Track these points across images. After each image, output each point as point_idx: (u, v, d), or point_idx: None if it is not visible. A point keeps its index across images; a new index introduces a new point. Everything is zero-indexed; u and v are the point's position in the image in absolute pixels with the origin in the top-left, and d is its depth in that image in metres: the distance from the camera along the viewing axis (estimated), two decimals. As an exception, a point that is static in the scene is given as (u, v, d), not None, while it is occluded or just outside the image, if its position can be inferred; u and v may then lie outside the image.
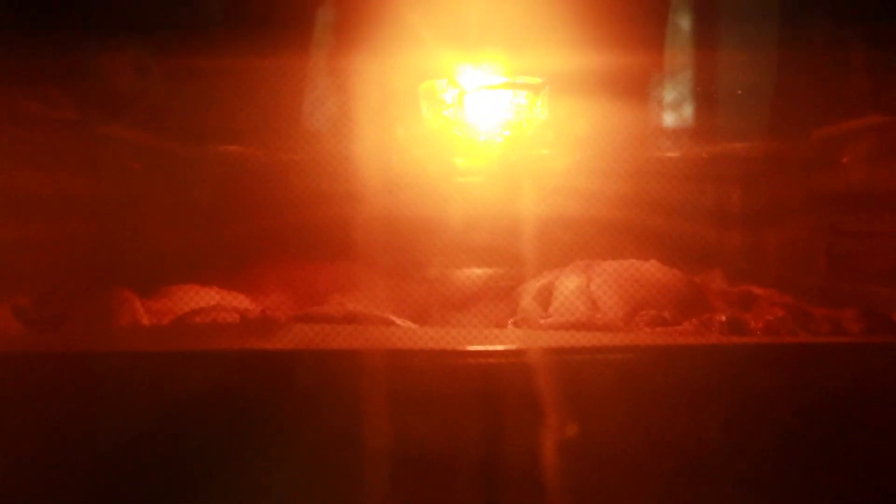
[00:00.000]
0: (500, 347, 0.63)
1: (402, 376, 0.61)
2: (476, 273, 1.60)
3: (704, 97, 1.17)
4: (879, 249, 1.23)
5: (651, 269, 1.09)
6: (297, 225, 1.44)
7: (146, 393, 0.68)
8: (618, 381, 0.65)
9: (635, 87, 1.22)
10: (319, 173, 1.41)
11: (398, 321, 0.80)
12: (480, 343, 0.64)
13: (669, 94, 1.21)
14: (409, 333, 0.68)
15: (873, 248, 1.27)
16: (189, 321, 0.86)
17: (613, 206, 1.61)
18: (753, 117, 1.16)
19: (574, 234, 1.59)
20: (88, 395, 0.70)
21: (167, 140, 1.17)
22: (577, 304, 0.99)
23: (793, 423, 0.69)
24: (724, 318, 0.87)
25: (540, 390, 0.64)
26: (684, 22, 1.17)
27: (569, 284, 1.04)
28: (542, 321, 0.80)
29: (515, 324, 0.87)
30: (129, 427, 0.69)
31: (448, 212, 1.55)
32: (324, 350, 0.65)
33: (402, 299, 1.20)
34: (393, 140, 1.19)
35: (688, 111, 1.24)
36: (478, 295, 1.29)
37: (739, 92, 1.13)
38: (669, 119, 1.24)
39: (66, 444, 0.69)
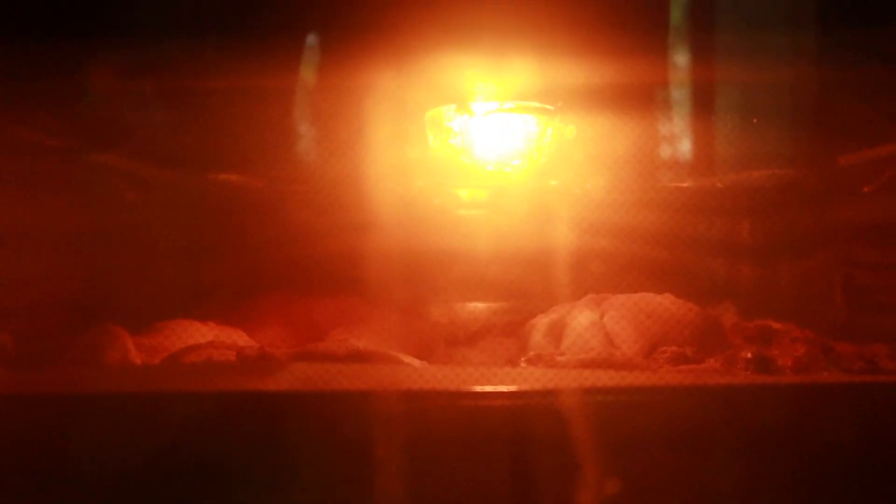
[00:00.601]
0: (526, 387, 0.57)
1: (416, 420, 0.55)
2: (482, 307, 1.55)
3: (719, 125, 1.14)
4: (892, 281, 1.19)
5: (666, 303, 1.04)
6: (298, 258, 1.39)
7: (134, 437, 0.62)
8: (651, 423, 0.60)
9: (648, 116, 1.18)
10: (322, 204, 1.37)
11: (405, 359, 0.74)
12: (500, 383, 0.59)
13: (683, 122, 1.18)
14: (421, 372, 0.63)
15: (888, 281, 1.22)
16: (182, 359, 0.80)
17: (624, 238, 1.56)
18: (770, 145, 1.13)
19: (583, 267, 1.55)
20: (71, 440, 0.64)
21: (162, 169, 1.12)
22: (592, 340, 0.94)
23: (837, 467, 0.63)
24: (749, 356, 0.82)
25: (571, 434, 0.58)
26: (699, 50, 1.13)
27: (581, 320, 0.99)
28: (558, 358, 0.75)
29: (529, 362, 0.82)
30: (114, 474, 0.63)
31: (455, 244, 1.50)
32: (328, 391, 0.59)
33: (405, 335, 1.15)
34: (398, 170, 1.15)
35: (702, 139, 1.20)
36: (484, 330, 1.24)
37: (755, 120, 1.09)
38: (683, 148, 1.20)
39: (46, 493, 0.63)
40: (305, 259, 1.39)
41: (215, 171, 1.16)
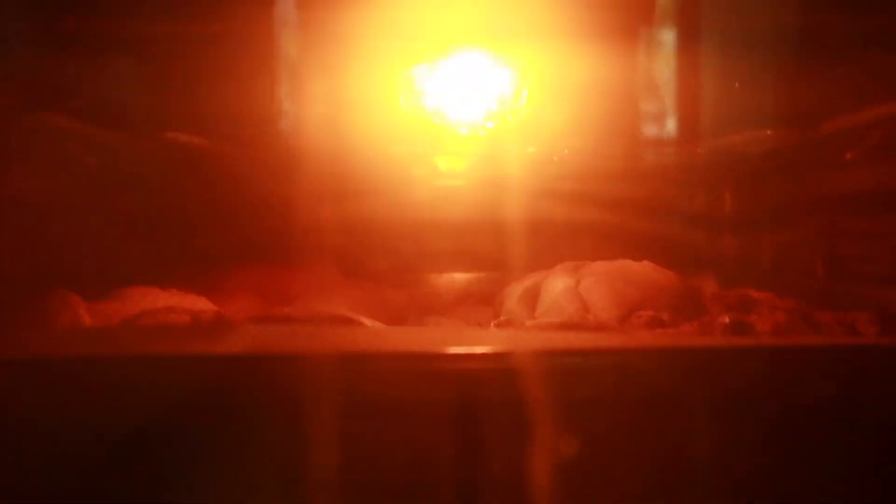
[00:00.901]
0: (479, 350, 0.54)
1: (363, 384, 0.52)
2: (459, 278, 1.51)
3: (698, 91, 1.10)
4: (884, 251, 1.16)
5: (644, 270, 1.01)
6: (267, 227, 1.35)
7: (72, 401, 0.58)
8: (617, 386, 0.56)
9: (627, 82, 1.14)
10: (292, 171, 1.32)
11: (367, 322, 0.71)
12: (458, 344, 0.55)
13: (663, 89, 1.14)
14: (375, 334, 0.59)
15: (877, 250, 1.19)
16: (135, 323, 0.76)
17: (599, 209, 1.53)
18: (751, 112, 1.09)
19: (560, 237, 1.51)
20: (11, 405, 0.61)
21: (120, 130, 1.07)
22: (566, 305, 0.91)
23: (808, 430, 0.60)
24: (727, 321, 0.79)
25: (528, 398, 0.55)
26: (677, 13, 1.09)
27: (557, 285, 0.96)
28: (528, 322, 0.71)
29: (499, 325, 0.78)
30: (57, 438, 0.59)
31: (430, 214, 1.46)
32: (276, 354, 0.56)
33: (377, 305, 1.11)
34: (372, 135, 1.10)
35: (682, 105, 1.16)
36: (459, 299, 1.21)
37: (736, 85, 1.05)
38: (662, 114, 1.16)
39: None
40: (275, 228, 1.35)
41: (175, 132, 1.11)
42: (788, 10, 0.86)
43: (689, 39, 1.02)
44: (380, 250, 1.46)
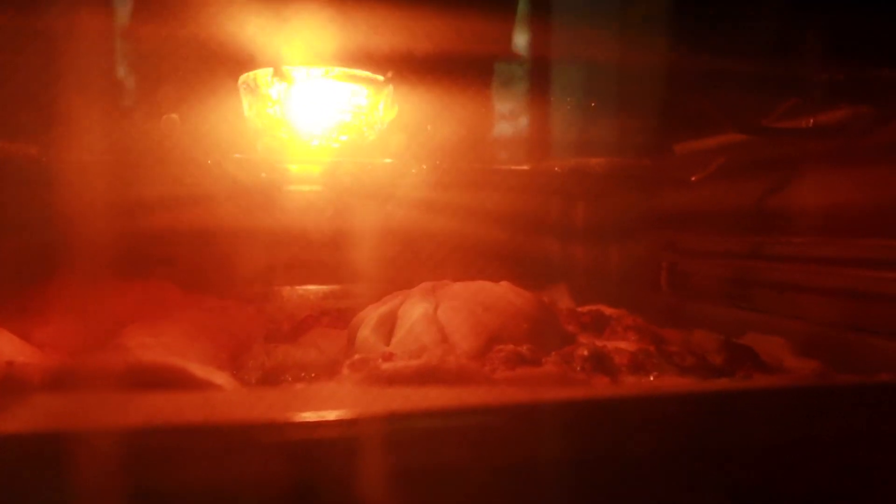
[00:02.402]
0: (315, 417, 0.46)
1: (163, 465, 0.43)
2: (312, 291, 1.41)
3: (558, 108, 1.08)
4: (714, 269, 1.20)
5: (503, 293, 0.97)
6: (91, 238, 1.17)
7: None
8: (478, 451, 0.50)
9: (485, 96, 1.10)
10: (120, 177, 1.16)
11: (198, 371, 0.60)
12: (296, 409, 0.47)
13: (520, 104, 1.10)
14: (191, 399, 0.49)
15: (709, 268, 1.24)
16: None
17: (458, 219, 1.49)
18: (606, 131, 1.08)
19: (418, 249, 1.45)
20: None
21: None
22: (424, 335, 0.84)
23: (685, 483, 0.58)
24: (585, 353, 0.76)
25: (376, 471, 0.47)
26: (541, 31, 1.06)
27: (414, 312, 0.89)
28: (383, 366, 0.64)
29: (352, 368, 0.70)
30: None
31: (276, 223, 1.35)
32: (69, 432, 0.44)
33: (218, 329, 0.99)
34: (210, 140, 0.97)
35: (538, 122, 1.14)
36: (311, 320, 1.11)
37: (593, 104, 1.04)
38: (518, 129, 1.13)
39: None
40: (102, 240, 1.18)
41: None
42: (645, 50, 0.84)
43: (546, 69, 0.99)
44: (224, 262, 1.33)
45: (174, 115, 0.86)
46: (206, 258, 1.31)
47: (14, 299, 1.06)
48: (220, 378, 0.62)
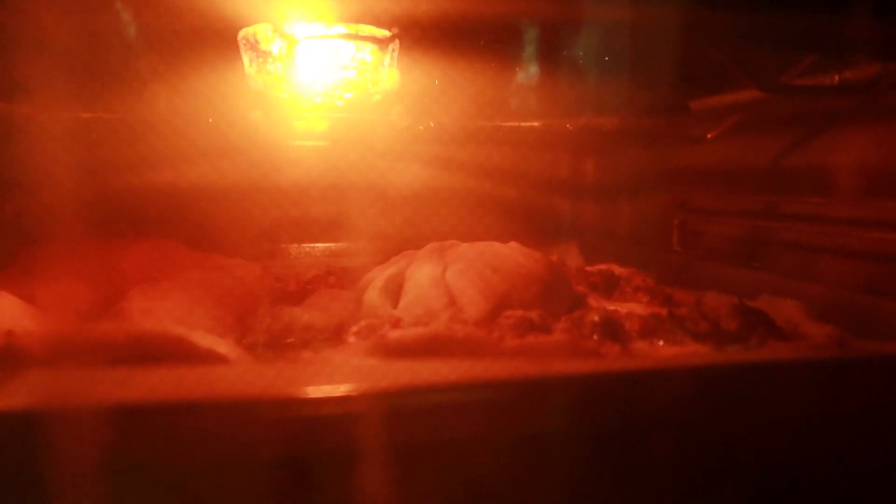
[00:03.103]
0: (317, 393, 0.44)
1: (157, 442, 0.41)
2: (319, 249, 1.39)
3: (568, 62, 1.03)
4: (726, 228, 1.17)
5: (512, 254, 0.94)
6: (95, 197, 1.15)
7: None
8: (483, 428, 0.49)
9: (495, 50, 1.05)
10: (125, 136, 1.13)
11: (201, 340, 0.58)
12: (298, 383, 0.45)
13: (531, 59, 1.06)
14: (188, 373, 0.47)
15: (721, 227, 1.21)
16: None
17: (466, 176, 1.45)
18: (620, 89, 1.03)
19: (423, 205, 1.43)
20: None
21: None
22: (431, 299, 0.82)
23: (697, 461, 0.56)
24: (596, 319, 0.74)
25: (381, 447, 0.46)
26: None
27: (422, 275, 0.87)
28: (390, 335, 0.62)
29: (358, 335, 0.68)
30: None
31: (282, 180, 1.32)
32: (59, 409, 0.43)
33: (225, 290, 0.97)
34: (211, 98, 0.94)
35: (550, 77, 1.09)
36: (318, 280, 1.09)
37: (606, 59, 0.99)
38: (531, 85, 1.08)
39: None
40: (107, 200, 1.16)
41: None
42: (661, 3, 0.79)
43: (560, 31, 0.94)
44: (230, 220, 1.30)
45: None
46: (211, 216, 1.29)
47: (17, 260, 1.05)
48: (223, 347, 0.60)
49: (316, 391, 0.47)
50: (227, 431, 0.44)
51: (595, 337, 0.72)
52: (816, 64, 0.88)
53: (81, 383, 0.47)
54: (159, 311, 0.81)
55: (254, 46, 0.81)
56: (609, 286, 1.06)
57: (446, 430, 0.50)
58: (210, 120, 0.91)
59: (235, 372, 0.49)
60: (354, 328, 0.70)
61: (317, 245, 1.38)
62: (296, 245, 1.36)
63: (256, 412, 0.46)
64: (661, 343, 0.72)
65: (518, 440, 0.52)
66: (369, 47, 0.82)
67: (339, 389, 0.47)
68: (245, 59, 0.83)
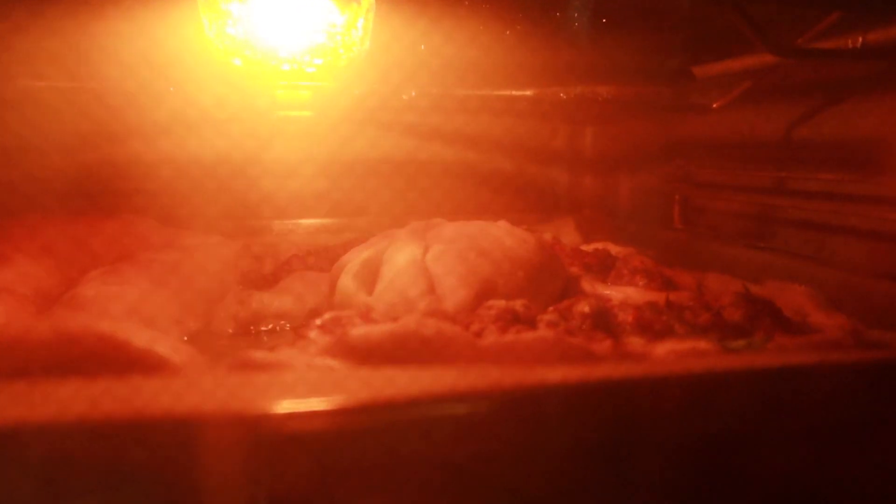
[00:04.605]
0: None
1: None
2: (301, 225, 1.31)
3: (563, 25, 0.93)
4: (731, 204, 1.09)
5: (500, 235, 0.86)
6: (61, 170, 1.07)
7: None
8: (451, 445, 0.42)
9: (484, 12, 0.95)
10: (85, 106, 1.04)
11: (138, 340, 0.51)
12: (247, 393, 0.38)
13: (522, 21, 0.96)
14: (126, 383, 0.40)
15: (725, 203, 1.13)
16: None
17: (457, 148, 1.37)
18: (617, 52, 0.94)
19: (412, 179, 1.34)
20: None
21: None
22: (408, 286, 0.75)
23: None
24: (586, 310, 0.66)
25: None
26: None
27: (399, 258, 0.79)
28: (352, 332, 0.55)
29: (322, 328, 0.61)
30: None
31: (262, 154, 1.24)
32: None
33: (192, 273, 0.90)
34: (169, 65, 0.85)
35: (543, 41, 1.00)
36: (295, 260, 1.01)
37: (604, 20, 0.90)
38: (522, 50, 0.99)
39: None
40: (72, 171, 1.08)
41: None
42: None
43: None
44: (210, 194, 1.22)
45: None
46: (189, 190, 1.21)
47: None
48: (165, 347, 0.53)
49: (254, 407, 0.40)
50: (154, 451, 0.37)
51: (584, 329, 0.64)
52: (836, 24, 0.79)
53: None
54: (113, 299, 0.74)
55: (211, 5, 0.72)
56: (605, 267, 0.98)
57: (405, 448, 0.43)
58: (171, 89, 0.83)
59: (162, 385, 0.42)
60: (318, 321, 0.63)
61: (301, 221, 1.30)
62: (279, 221, 1.29)
63: (190, 432, 0.39)
64: (658, 337, 0.64)
65: (492, 458, 0.44)
66: (339, 9, 0.73)
67: (278, 406, 0.40)
68: (204, 19, 0.75)
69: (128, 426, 0.39)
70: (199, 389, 0.42)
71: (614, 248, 1.07)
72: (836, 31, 0.83)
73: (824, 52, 0.76)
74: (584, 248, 1.08)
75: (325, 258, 1.02)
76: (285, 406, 0.41)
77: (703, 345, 0.61)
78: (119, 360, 0.52)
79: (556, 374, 0.46)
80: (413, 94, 0.88)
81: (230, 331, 0.80)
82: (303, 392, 0.42)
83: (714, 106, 0.96)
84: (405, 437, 0.43)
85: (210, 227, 1.14)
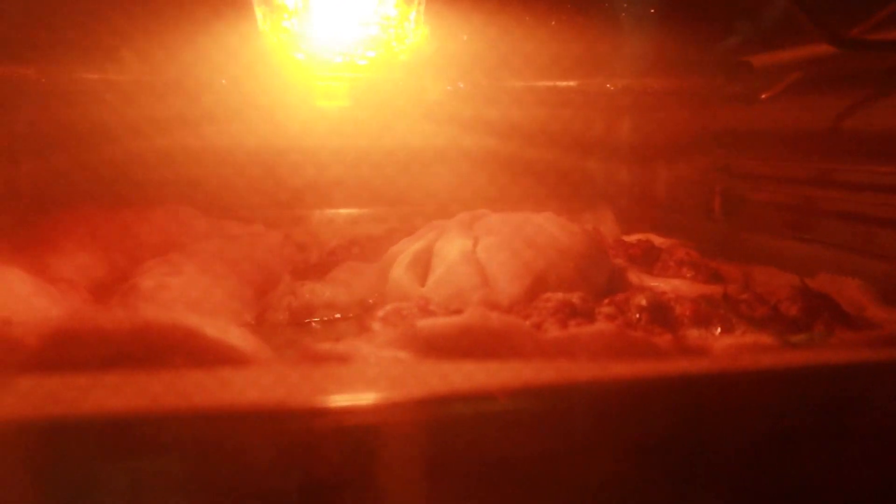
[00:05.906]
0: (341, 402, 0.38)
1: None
2: (340, 215, 1.32)
3: (610, 14, 0.93)
4: (774, 195, 1.07)
5: (546, 226, 0.86)
6: (108, 162, 1.09)
7: None
8: (523, 439, 0.42)
9: (528, 5, 0.95)
10: (133, 98, 1.05)
11: (212, 331, 0.52)
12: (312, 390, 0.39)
13: (569, 11, 0.95)
14: (205, 380, 0.41)
15: (768, 194, 1.11)
16: None
17: (496, 138, 1.36)
18: (666, 41, 0.93)
19: (452, 169, 1.34)
20: None
21: None
22: (462, 278, 0.75)
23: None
24: (643, 303, 0.66)
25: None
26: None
27: (451, 250, 0.79)
28: (419, 324, 0.55)
29: (385, 320, 0.62)
30: None
31: (303, 143, 1.24)
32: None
33: (243, 262, 0.91)
34: (224, 57, 0.86)
35: (588, 31, 0.99)
36: (342, 250, 1.02)
37: (652, 10, 0.89)
38: (568, 40, 0.98)
39: None
40: (119, 162, 1.09)
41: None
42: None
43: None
44: (250, 184, 1.23)
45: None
46: (230, 180, 1.22)
47: (28, 230, 0.99)
48: (236, 337, 0.54)
49: (342, 400, 0.40)
50: (242, 450, 0.38)
51: (642, 322, 0.64)
52: (893, 15, 0.77)
53: (71, 390, 0.41)
54: (172, 289, 0.75)
55: (267, 1, 0.72)
56: (649, 259, 0.98)
57: (494, 445, 0.43)
58: (223, 81, 0.83)
59: (244, 377, 0.43)
60: (380, 313, 0.63)
61: (340, 211, 1.31)
62: (318, 210, 1.29)
63: (270, 424, 0.39)
64: (717, 331, 0.64)
65: (564, 452, 0.45)
66: (393, 1, 0.73)
67: (368, 398, 0.41)
68: (258, 14, 0.75)
69: (220, 418, 0.40)
70: (285, 382, 0.43)
71: (657, 240, 1.06)
72: (888, 24, 0.81)
73: (884, 43, 0.75)
74: (627, 238, 1.08)
75: (368, 248, 1.03)
76: (371, 398, 0.41)
77: (764, 339, 0.61)
78: (191, 351, 0.52)
79: (630, 368, 0.46)
80: (461, 85, 0.88)
81: (283, 321, 0.81)
82: (386, 385, 0.42)
83: (763, 97, 0.94)
84: (487, 431, 0.43)
85: (251, 218, 1.15)
